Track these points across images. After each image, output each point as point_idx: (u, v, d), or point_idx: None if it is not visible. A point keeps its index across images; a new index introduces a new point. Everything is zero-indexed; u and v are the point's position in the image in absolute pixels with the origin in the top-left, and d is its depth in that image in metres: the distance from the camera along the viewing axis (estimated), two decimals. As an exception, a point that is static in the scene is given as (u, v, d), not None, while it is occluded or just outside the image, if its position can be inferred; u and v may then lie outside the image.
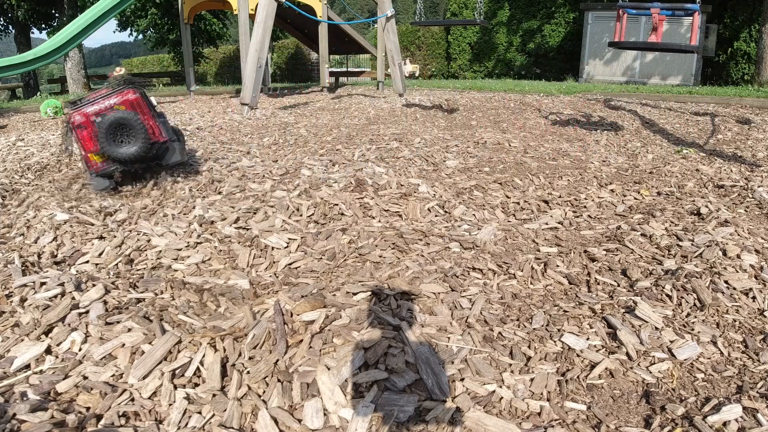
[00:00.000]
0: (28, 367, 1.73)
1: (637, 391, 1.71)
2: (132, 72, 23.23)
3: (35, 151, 5.26)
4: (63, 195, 3.67)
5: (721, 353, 1.89)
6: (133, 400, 1.57)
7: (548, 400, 1.64)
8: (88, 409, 1.54)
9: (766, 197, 3.60)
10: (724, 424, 1.52)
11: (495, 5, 19.57)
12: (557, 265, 2.61)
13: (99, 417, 1.51)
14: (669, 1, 6.21)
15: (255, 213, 3.17)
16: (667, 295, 2.25)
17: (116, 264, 2.57)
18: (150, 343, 1.78)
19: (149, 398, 1.58)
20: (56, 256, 2.65)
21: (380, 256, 2.60)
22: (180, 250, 2.69)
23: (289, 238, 2.80)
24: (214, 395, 1.58)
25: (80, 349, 1.79)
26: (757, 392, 1.65)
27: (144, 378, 1.64)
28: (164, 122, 3.79)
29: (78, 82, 16.28)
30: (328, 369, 1.64)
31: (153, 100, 4.25)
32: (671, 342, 1.93)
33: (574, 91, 11.77)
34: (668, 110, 8.86)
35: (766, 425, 1.51)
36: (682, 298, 2.22)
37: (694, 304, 2.18)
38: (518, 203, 3.65)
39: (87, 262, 2.61)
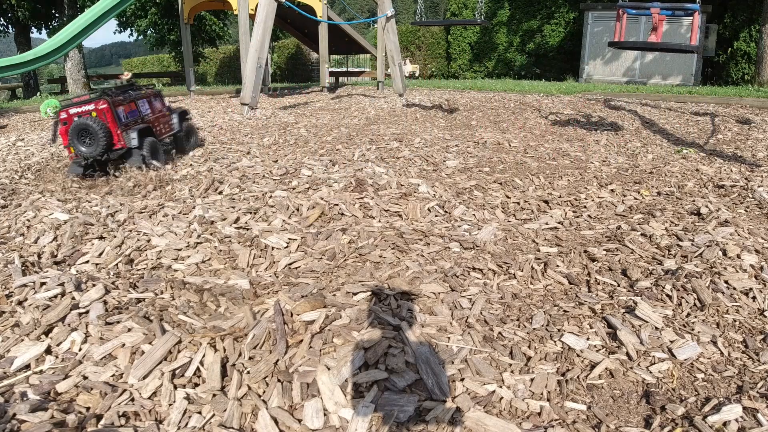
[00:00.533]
0: (28, 367, 1.73)
1: (637, 391, 1.71)
2: (135, 72, 23.28)
3: (35, 151, 5.26)
4: (63, 189, 3.94)
5: (721, 353, 1.89)
6: (133, 400, 1.57)
7: (548, 400, 1.64)
8: (88, 409, 1.54)
9: (766, 197, 3.60)
10: (724, 424, 1.52)
11: (495, 5, 19.56)
12: (557, 265, 2.61)
13: (99, 417, 1.51)
14: (669, 1, 6.21)
15: (255, 213, 3.17)
16: (667, 295, 2.25)
17: (116, 264, 2.57)
18: (150, 343, 1.78)
19: (149, 398, 1.58)
20: (56, 256, 2.65)
21: (380, 256, 2.60)
22: (180, 250, 2.69)
23: (289, 238, 2.80)
24: (214, 395, 1.58)
25: (80, 349, 1.79)
26: (757, 392, 1.65)
27: (144, 378, 1.64)
28: (139, 126, 4.37)
29: (78, 82, 16.27)
30: (328, 369, 1.64)
31: (166, 100, 4.96)
32: (671, 342, 1.93)
33: (574, 91, 11.77)
34: (668, 110, 8.86)
35: (766, 425, 1.51)
36: (682, 298, 2.22)
37: (694, 304, 2.18)
38: (518, 203, 3.65)
39: (87, 262, 2.61)
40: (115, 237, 2.84)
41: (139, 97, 4.59)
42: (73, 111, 4.12)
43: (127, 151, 4.23)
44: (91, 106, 4.11)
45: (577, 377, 1.75)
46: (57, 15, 17.60)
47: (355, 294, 2.16)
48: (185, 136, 5.21)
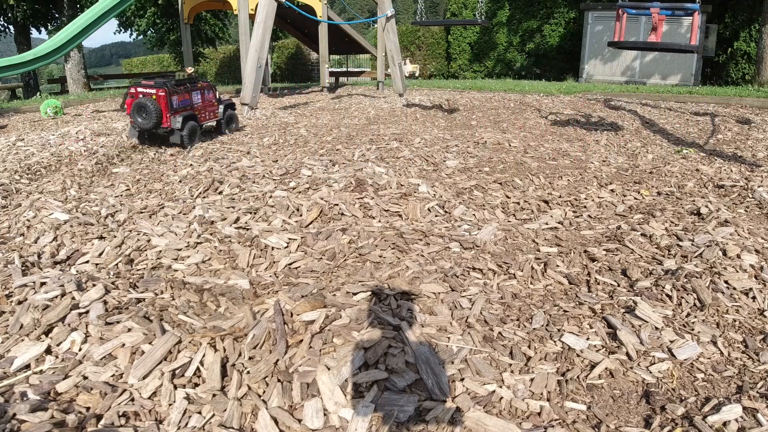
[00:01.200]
0: (28, 367, 1.73)
1: (637, 391, 1.71)
2: (134, 72, 23.27)
3: (35, 151, 5.26)
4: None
5: (721, 353, 1.89)
6: (133, 400, 1.57)
7: (548, 400, 1.64)
8: (88, 409, 1.54)
9: (766, 197, 3.60)
10: (724, 424, 1.52)
11: (495, 5, 19.57)
12: (557, 265, 2.61)
13: (99, 417, 1.51)
14: (669, 0, 6.21)
15: (255, 213, 3.17)
16: (667, 295, 2.25)
17: (116, 264, 2.57)
18: (150, 343, 1.78)
19: (149, 398, 1.58)
20: (56, 256, 2.65)
21: (380, 256, 2.60)
22: (180, 250, 2.69)
23: (289, 238, 2.80)
24: (214, 395, 1.58)
25: (80, 349, 1.79)
26: (757, 392, 1.65)
27: (144, 378, 1.64)
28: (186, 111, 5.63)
29: (78, 82, 16.26)
30: (328, 369, 1.64)
31: (217, 93, 6.28)
32: (671, 342, 1.93)
33: (574, 91, 11.77)
34: (668, 110, 8.86)
35: (766, 425, 1.51)
36: (682, 298, 2.22)
37: (694, 304, 2.18)
38: (518, 203, 3.65)
39: (87, 262, 2.61)
40: (115, 237, 2.84)
41: (194, 89, 5.80)
42: (140, 90, 5.35)
43: (171, 131, 5.41)
44: (153, 90, 5.30)
45: (577, 377, 1.75)
46: (57, 15, 17.60)
47: (355, 294, 2.16)
48: (226, 122, 6.47)
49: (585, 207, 3.61)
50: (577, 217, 3.43)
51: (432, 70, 21.96)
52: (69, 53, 12.78)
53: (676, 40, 14.42)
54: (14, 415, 1.47)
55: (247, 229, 2.96)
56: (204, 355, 1.72)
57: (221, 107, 6.34)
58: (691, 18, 5.86)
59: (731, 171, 4.46)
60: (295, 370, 1.66)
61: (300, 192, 3.59)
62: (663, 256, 2.70)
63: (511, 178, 4.20)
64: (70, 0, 16.22)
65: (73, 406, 1.54)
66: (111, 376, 1.66)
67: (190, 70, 6.86)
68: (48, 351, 1.79)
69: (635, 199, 3.78)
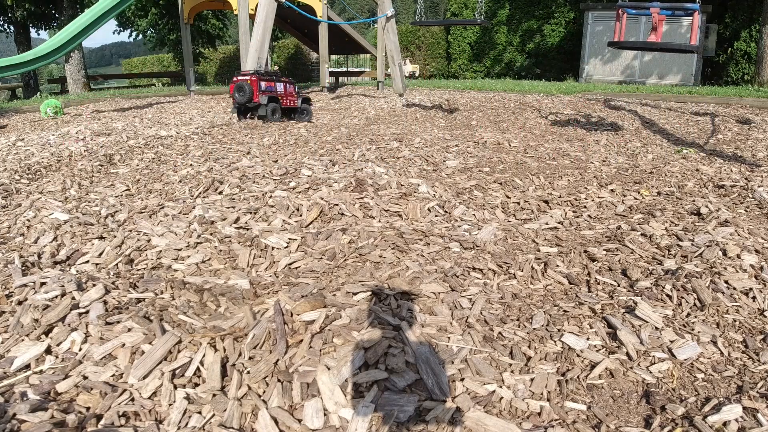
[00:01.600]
0: (28, 367, 1.73)
1: (637, 391, 1.71)
2: (135, 72, 23.24)
3: (35, 151, 5.26)
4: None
5: (721, 353, 1.89)
6: (133, 400, 1.57)
7: (548, 400, 1.64)
8: (88, 409, 1.54)
9: (766, 197, 3.60)
10: (724, 424, 1.52)
11: (495, 5, 19.58)
12: (557, 265, 2.61)
13: (99, 417, 1.51)
14: (669, 0, 6.21)
15: (255, 213, 3.17)
16: (667, 295, 2.25)
17: (116, 264, 2.57)
18: (150, 343, 1.78)
19: (149, 398, 1.58)
20: (56, 256, 2.65)
21: (380, 256, 2.60)
22: (180, 250, 2.69)
23: (289, 238, 2.80)
24: (214, 395, 1.58)
25: (80, 349, 1.79)
26: (757, 392, 1.65)
27: (144, 378, 1.64)
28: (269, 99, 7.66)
29: (78, 82, 16.27)
30: (328, 369, 1.64)
31: (296, 88, 8.26)
32: (671, 342, 1.93)
33: (574, 91, 11.77)
34: (668, 110, 8.87)
35: (766, 425, 1.51)
36: (682, 298, 2.22)
37: (694, 304, 2.18)
38: (518, 203, 3.65)
39: (87, 262, 2.61)
40: (115, 237, 2.84)
41: (278, 80, 7.76)
42: (239, 78, 7.47)
43: (258, 106, 7.42)
44: (248, 77, 7.42)
45: (577, 377, 1.75)
46: (57, 15, 17.59)
47: (355, 294, 2.16)
48: (301, 112, 8.26)
49: (585, 207, 3.61)
50: (577, 217, 3.43)
51: (432, 70, 21.97)
52: (69, 53, 12.78)
53: (676, 40, 14.43)
54: (14, 415, 1.47)
55: (247, 229, 2.96)
56: (204, 355, 1.72)
57: (299, 100, 8.19)
58: (691, 18, 5.86)
59: (731, 171, 4.46)
60: (295, 370, 1.66)
61: (300, 192, 3.59)
62: (663, 256, 2.70)
63: (511, 178, 4.20)
64: (70, 0, 16.22)
65: (73, 406, 1.54)
66: (111, 376, 1.66)
67: (276, 67, 8.17)
68: (48, 351, 1.79)
69: (635, 199, 3.78)
